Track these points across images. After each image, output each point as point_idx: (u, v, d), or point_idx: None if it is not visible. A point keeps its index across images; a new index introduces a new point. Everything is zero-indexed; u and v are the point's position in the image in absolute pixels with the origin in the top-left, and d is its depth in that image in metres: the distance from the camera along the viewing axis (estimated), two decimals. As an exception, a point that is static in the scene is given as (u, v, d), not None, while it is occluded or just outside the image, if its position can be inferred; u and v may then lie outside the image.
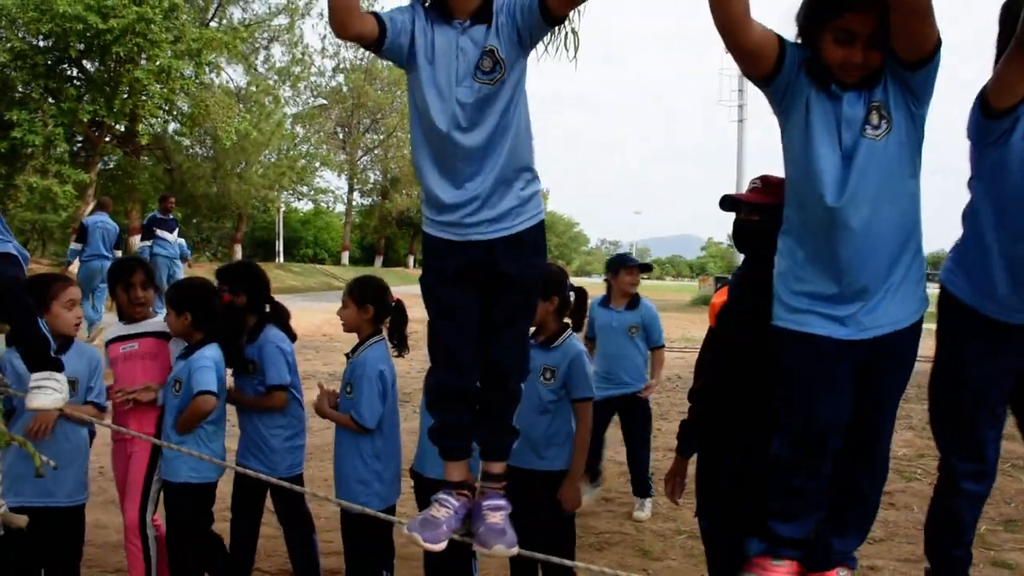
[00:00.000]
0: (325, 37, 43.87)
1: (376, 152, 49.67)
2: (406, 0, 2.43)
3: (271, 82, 32.23)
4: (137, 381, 3.51)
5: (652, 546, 4.92)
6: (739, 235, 2.74)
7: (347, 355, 3.68)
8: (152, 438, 3.29)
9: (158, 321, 3.65)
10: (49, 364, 2.61)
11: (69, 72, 23.98)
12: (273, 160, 33.72)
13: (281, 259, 42.31)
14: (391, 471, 3.61)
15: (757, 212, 2.62)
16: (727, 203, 2.74)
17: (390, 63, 2.92)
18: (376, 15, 2.33)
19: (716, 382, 2.79)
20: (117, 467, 3.62)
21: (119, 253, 11.20)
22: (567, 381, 3.43)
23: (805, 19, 2.26)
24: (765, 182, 2.63)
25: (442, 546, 2.37)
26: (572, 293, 3.61)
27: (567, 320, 3.59)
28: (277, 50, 32.87)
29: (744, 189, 2.83)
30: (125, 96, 22.87)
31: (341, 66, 45.01)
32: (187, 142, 30.65)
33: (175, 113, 26.53)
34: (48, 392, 2.55)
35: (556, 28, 2.34)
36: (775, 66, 2.23)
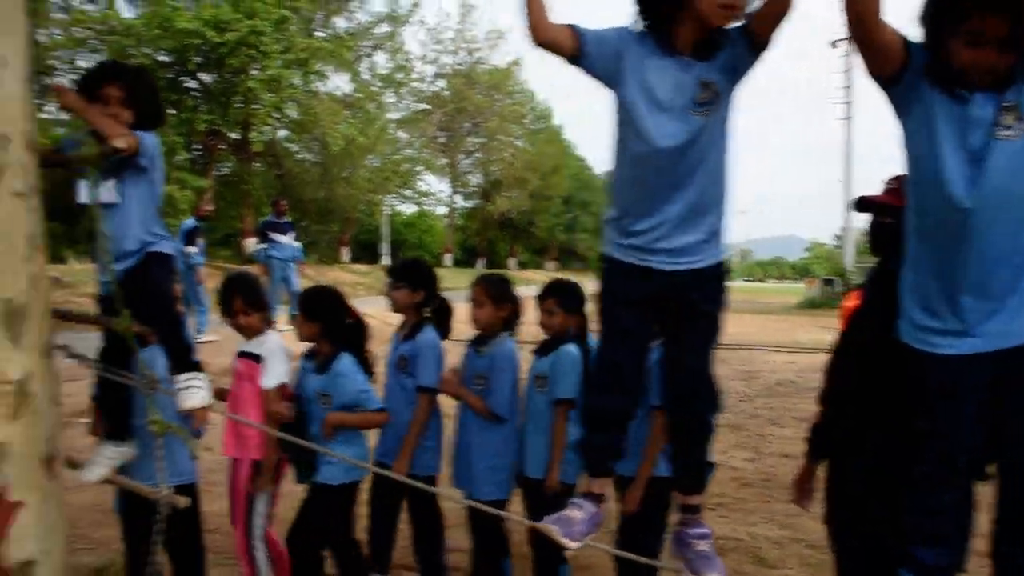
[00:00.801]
0: (425, 44, 44.74)
1: (477, 155, 50.14)
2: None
3: (375, 88, 32.96)
4: (241, 399, 3.50)
5: (768, 553, 4.77)
6: (874, 237, 2.68)
7: (475, 349, 3.67)
8: (314, 444, 3.30)
9: (257, 342, 3.56)
10: (191, 367, 2.73)
11: (187, 84, 25.10)
12: (378, 164, 34.46)
13: (388, 261, 43.20)
14: (510, 466, 3.64)
15: (891, 214, 2.52)
16: (862, 205, 2.65)
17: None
18: (573, 28, 2.39)
19: (848, 386, 2.68)
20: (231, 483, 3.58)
21: (193, 249, 11.30)
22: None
23: (931, 21, 2.18)
24: (902, 183, 2.50)
25: (578, 544, 2.44)
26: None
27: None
28: (380, 57, 33.61)
29: (860, 189, 2.73)
30: (239, 105, 23.80)
31: (442, 71, 45.66)
32: (296, 148, 31.66)
33: (285, 120, 27.42)
34: (195, 392, 2.69)
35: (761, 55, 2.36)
36: (901, 66, 2.17)
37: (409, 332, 3.76)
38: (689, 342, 2.49)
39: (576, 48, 2.38)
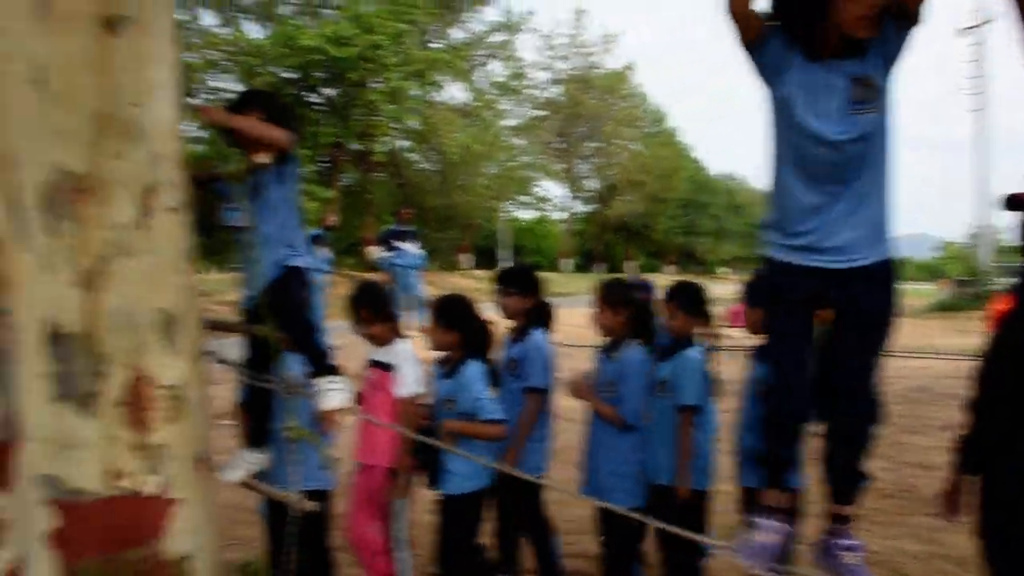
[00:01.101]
0: (539, 50, 44.88)
1: (593, 160, 50.02)
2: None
3: (491, 96, 33.35)
4: (373, 406, 3.55)
5: (910, 569, 4.57)
6: None
7: (606, 355, 3.65)
8: (454, 448, 3.35)
9: (386, 351, 3.63)
10: (330, 370, 2.83)
11: (311, 99, 26.05)
12: (496, 171, 34.84)
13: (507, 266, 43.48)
14: (637, 472, 3.61)
15: None
16: (1012, 203, 2.49)
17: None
18: (762, 14, 2.39)
19: (1001, 393, 2.51)
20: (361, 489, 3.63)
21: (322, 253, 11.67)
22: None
23: None
24: None
25: (771, 571, 2.40)
26: None
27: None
28: (495, 65, 33.99)
29: (991, 184, 2.58)
30: (360, 117, 24.54)
31: (556, 77, 45.76)
32: (416, 157, 32.37)
33: (405, 131, 28.10)
34: (334, 394, 2.79)
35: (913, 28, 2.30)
36: None
37: (518, 335, 3.80)
38: (853, 346, 2.41)
39: (760, 32, 2.35)
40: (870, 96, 2.30)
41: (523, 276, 3.94)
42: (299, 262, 2.91)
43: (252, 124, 2.66)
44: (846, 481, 2.53)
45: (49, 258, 1.85)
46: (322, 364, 2.85)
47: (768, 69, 2.39)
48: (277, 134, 2.68)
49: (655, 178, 48.43)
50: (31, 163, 1.82)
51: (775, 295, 2.51)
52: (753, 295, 3.50)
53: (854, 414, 2.47)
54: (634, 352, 3.61)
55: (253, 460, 3.11)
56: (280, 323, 2.72)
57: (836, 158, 2.31)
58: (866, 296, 2.38)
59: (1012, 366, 2.48)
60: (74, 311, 1.87)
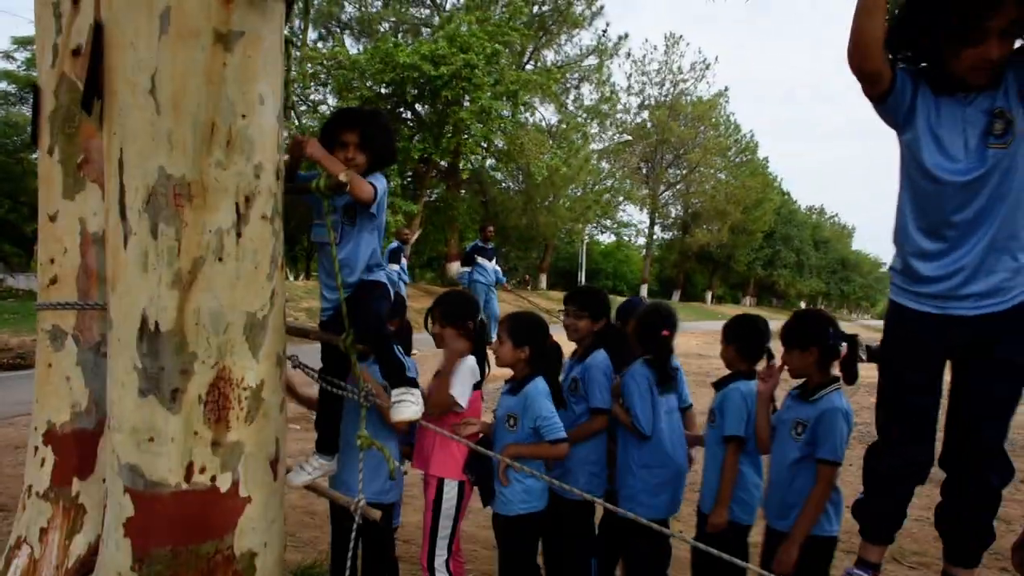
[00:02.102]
0: (631, 76, 44.90)
1: (678, 187, 49.62)
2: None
3: (580, 119, 33.46)
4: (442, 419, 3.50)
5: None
6: None
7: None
8: (516, 466, 3.38)
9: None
10: (406, 382, 2.87)
11: (404, 115, 26.57)
12: (579, 194, 34.89)
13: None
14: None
15: None
16: None
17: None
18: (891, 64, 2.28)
19: None
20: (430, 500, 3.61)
21: (395, 267, 11.84)
22: (815, 438, 3.05)
23: None
24: None
25: None
26: (841, 341, 3.17)
27: (837, 372, 3.26)
28: (586, 89, 34.11)
29: None
30: (450, 135, 24.87)
31: (646, 103, 45.65)
32: (501, 176, 32.65)
33: (492, 150, 28.38)
34: (408, 406, 2.82)
35: None
36: None
37: (581, 355, 3.79)
38: (988, 398, 2.27)
39: (891, 85, 2.26)
40: (1008, 129, 2.19)
41: (594, 298, 3.94)
42: (379, 276, 2.97)
43: (338, 167, 2.69)
44: (969, 542, 2.39)
45: (149, 258, 1.94)
46: (399, 375, 2.89)
47: (900, 114, 2.31)
48: (367, 192, 2.71)
49: (740, 208, 47.74)
50: (139, 167, 1.92)
51: (900, 342, 2.39)
52: (790, 337, 3.39)
53: (984, 475, 2.32)
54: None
55: (319, 466, 3.16)
56: (359, 333, 2.77)
57: (966, 197, 2.21)
58: (1005, 345, 2.23)
59: None
60: (168, 310, 1.96)
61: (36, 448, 2.54)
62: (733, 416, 3.42)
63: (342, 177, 2.56)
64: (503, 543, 3.52)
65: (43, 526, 2.50)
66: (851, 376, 3.03)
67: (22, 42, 25.39)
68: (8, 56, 25.60)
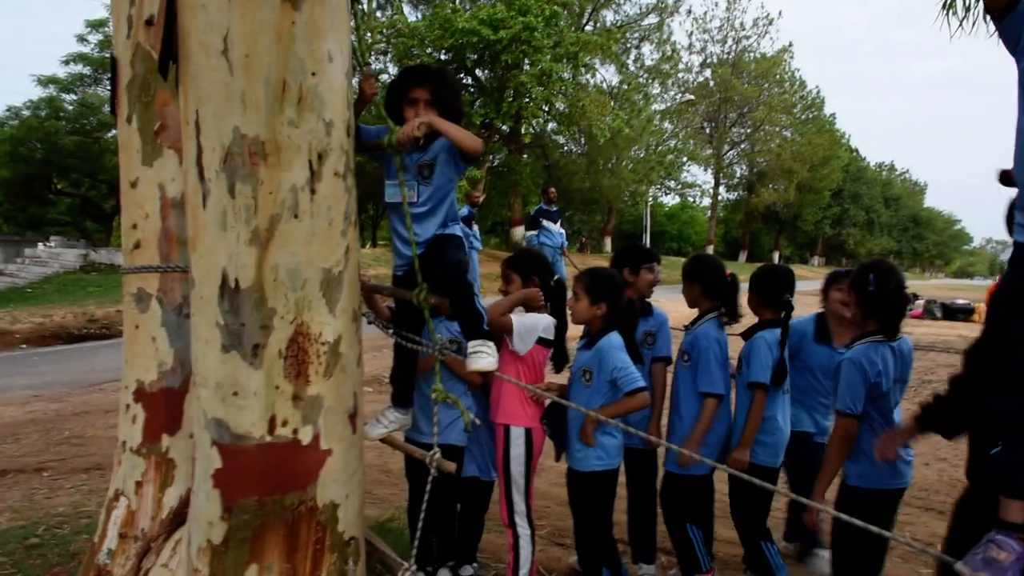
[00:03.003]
0: (692, 33, 43.93)
1: (743, 146, 48.65)
2: None
3: (641, 80, 32.96)
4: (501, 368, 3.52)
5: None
6: None
7: (685, 328, 3.85)
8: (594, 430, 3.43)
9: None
10: (483, 335, 2.91)
11: (464, 80, 26.55)
12: (642, 155, 34.50)
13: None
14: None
15: None
16: (1004, 178, 2.27)
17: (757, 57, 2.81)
18: None
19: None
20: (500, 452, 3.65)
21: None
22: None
23: None
24: None
25: None
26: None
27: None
28: (647, 49, 33.57)
29: None
30: (511, 99, 24.79)
31: (708, 61, 44.72)
32: (563, 140, 32.45)
33: (554, 113, 28.20)
34: (483, 356, 2.87)
35: None
36: None
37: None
38: None
39: (1013, 2, 2.12)
40: None
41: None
42: (456, 230, 2.99)
43: (463, 134, 2.74)
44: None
45: (227, 217, 1.99)
46: (476, 327, 2.91)
47: (1014, 35, 2.15)
48: (476, 143, 2.78)
49: (807, 167, 46.57)
50: (214, 127, 1.96)
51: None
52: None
53: None
54: (708, 325, 3.72)
55: (394, 419, 3.22)
56: (438, 284, 2.80)
57: None
58: None
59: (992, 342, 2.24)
60: (247, 267, 2.01)
61: (128, 406, 2.65)
62: (759, 364, 3.58)
63: (468, 142, 2.65)
64: (577, 499, 3.54)
65: (138, 480, 2.61)
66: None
67: (95, 24, 26.04)
68: (82, 39, 26.32)
